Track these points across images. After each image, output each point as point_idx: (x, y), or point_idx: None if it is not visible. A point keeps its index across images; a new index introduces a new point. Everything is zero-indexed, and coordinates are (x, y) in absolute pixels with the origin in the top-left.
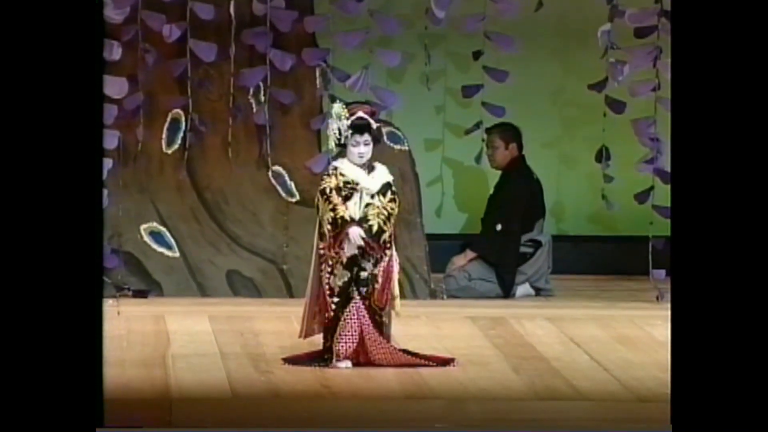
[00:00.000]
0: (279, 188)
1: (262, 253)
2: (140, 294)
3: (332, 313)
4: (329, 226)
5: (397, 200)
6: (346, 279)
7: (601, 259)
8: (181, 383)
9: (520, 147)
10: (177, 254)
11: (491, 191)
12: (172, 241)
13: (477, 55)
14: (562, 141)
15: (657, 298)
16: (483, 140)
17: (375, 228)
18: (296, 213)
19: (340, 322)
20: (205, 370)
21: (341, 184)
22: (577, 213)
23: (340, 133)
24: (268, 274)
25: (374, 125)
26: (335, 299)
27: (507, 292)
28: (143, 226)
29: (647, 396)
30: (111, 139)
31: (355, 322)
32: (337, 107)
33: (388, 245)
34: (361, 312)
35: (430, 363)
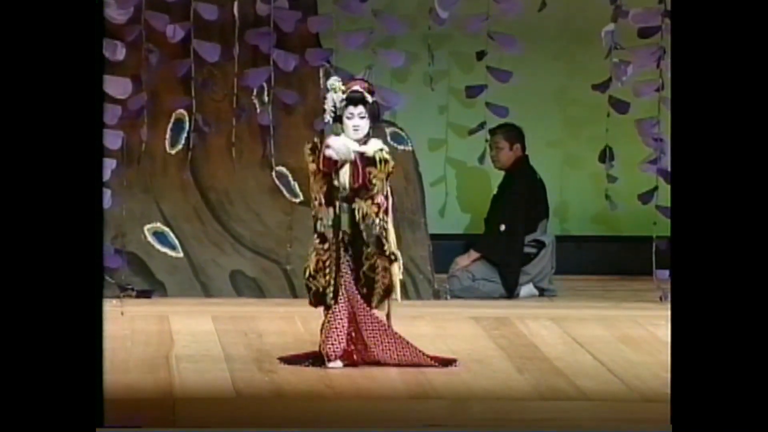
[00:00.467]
0: (283, 188)
1: (265, 253)
2: (144, 294)
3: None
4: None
5: (390, 162)
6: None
7: (604, 260)
8: (184, 383)
9: (523, 147)
10: (181, 254)
11: (495, 191)
12: (176, 242)
13: (480, 55)
14: (566, 141)
15: (660, 299)
16: (486, 140)
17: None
18: (300, 213)
19: (325, 323)
20: (209, 371)
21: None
22: (580, 213)
23: (335, 106)
24: (271, 275)
25: (370, 99)
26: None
27: (510, 292)
28: (147, 227)
29: (651, 396)
30: (115, 140)
31: (341, 322)
32: (333, 80)
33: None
34: (354, 307)
35: (432, 363)
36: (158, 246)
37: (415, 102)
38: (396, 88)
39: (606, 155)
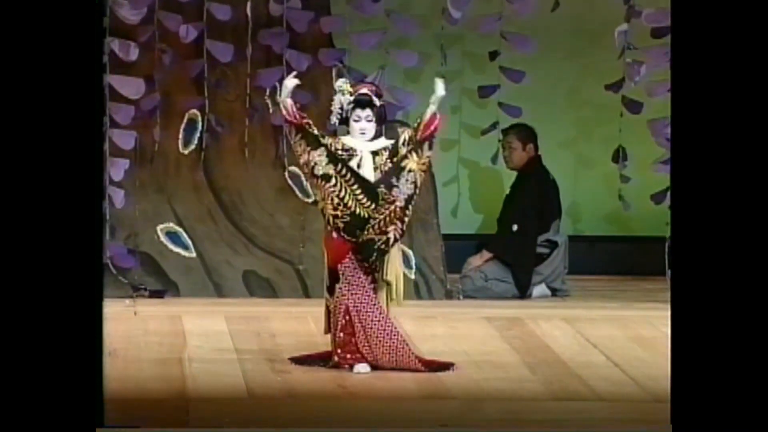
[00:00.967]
0: (295, 188)
1: (278, 253)
2: (157, 294)
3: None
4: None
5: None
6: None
7: (617, 260)
8: (197, 383)
9: (536, 147)
10: (193, 254)
11: (507, 192)
12: (189, 242)
13: (493, 55)
14: (579, 141)
15: None
16: (499, 141)
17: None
18: (312, 213)
19: (332, 325)
20: (222, 371)
21: (338, 147)
22: (593, 213)
23: (342, 108)
24: (284, 275)
25: (378, 102)
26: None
27: (523, 292)
28: (160, 227)
29: (664, 396)
30: (128, 140)
31: (339, 316)
32: (341, 82)
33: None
34: (358, 301)
35: (423, 370)
36: (171, 246)
37: (428, 102)
38: (409, 88)
39: (619, 155)
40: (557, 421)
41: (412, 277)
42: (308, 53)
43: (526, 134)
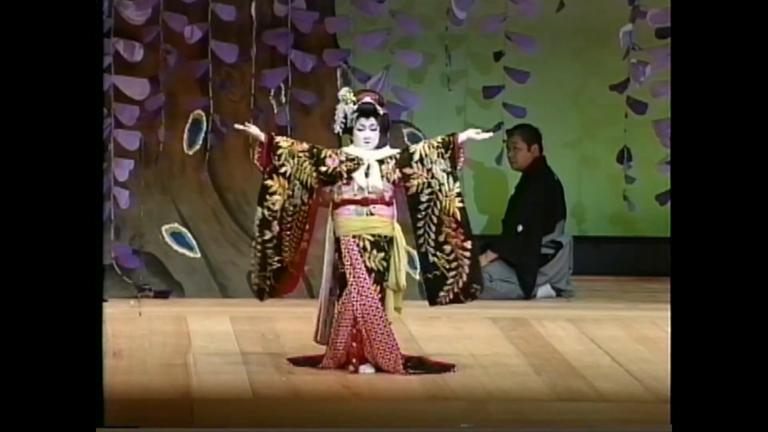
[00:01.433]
0: None
1: None
2: (161, 295)
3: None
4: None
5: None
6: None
7: (622, 260)
8: (202, 384)
9: (541, 148)
10: (198, 255)
11: (512, 192)
12: (194, 242)
13: (498, 55)
14: (584, 142)
15: None
16: (504, 141)
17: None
18: (317, 214)
19: (334, 328)
20: (226, 371)
21: (343, 159)
22: (598, 214)
23: (345, 117)
24: None
25: (381, 111)
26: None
27: (528, 293)
28: (165, 227)
29: (668, 397)
30: (132, 140)
31: (347, 326)
32: (344, 91)
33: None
34: (362, 304)
35: (430, 371)
36: (176, 246)
37: (433, 103)
38: (413, 88)
39: (624, 156)
40: (562, 421)
41: (417, 277)
42: (313, 54)
43: (531, 135)
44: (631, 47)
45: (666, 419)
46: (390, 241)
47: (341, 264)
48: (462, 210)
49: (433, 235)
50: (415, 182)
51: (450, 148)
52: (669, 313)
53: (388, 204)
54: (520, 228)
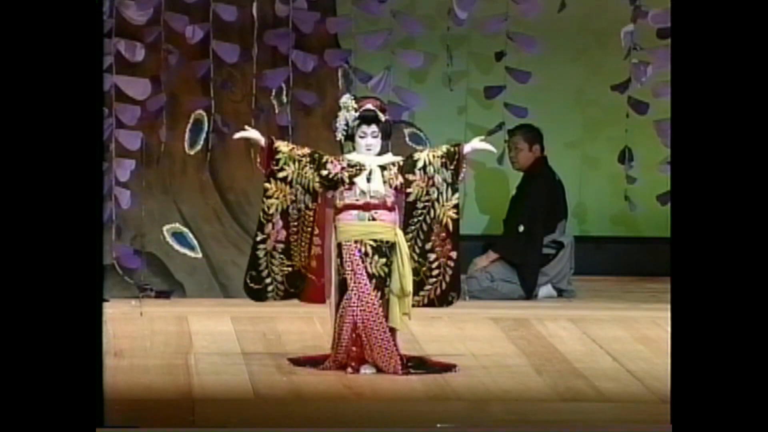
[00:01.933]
0: None
1: None
2: (163, 295)
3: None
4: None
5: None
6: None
7: (623, 261)
8: (203, 384)
9: (542, 148)
10: (200, 255)
11: (513, 192)
12: (195, 242)
13: (499, 55)
14: (585, 142)
15: None
16: (505, 141)
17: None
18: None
19: (335, 331)
20: (228, 371)
21: (345, 165)
22: (599, 214)
23: (347, 125)
24: None
25: (383, 118)
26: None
27: (529, 293)
28: (166, 227)
29: (669, 397)
30: (134, 140)
31: (348, 328)
32: (346, 98)
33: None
34: (370, 314)
35: (432, 371)
36: (177, 247)
37: (434, 103)
38: (414, 88)
39: (625, 156)
40: (563, 421)
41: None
42: (314, 54)
43: (533, 135)
44: (632, 47)
45: (667, 419)
46: (392, 246)
47: (342, 269)
48: (455, 221)
49: (420, 243)
50: (415, 189)
51: (454, 159)
52: (669, 314)
53: (390, 209)
54: (521, 228)
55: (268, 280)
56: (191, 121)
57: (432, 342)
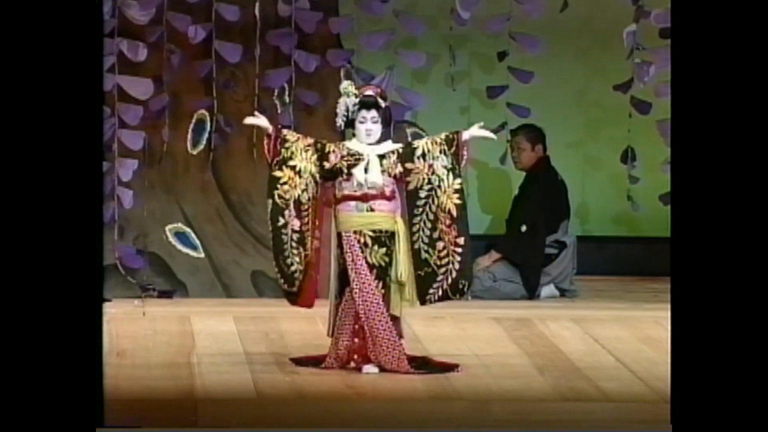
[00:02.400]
0: None
1: None
2: (165, 294)
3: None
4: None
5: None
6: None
7: (626, 260)
8: (206, 384)
9: (545, 148)
10: (202, 255)
11: (516, 192)
12: (197, 242)
13: (502, 55)
14: (587, 142)
15: None
16: (508, 141)
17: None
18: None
19: (337, 327)
20: (230, 371)
21: (344, 154)
22: (602, 214)
23: (347, 110)
24: None
25: (383, 104)
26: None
27: (532, 293)
28: (168, 227)
29: None
30: (136, 140)
31: (349, 324)
32: (346, 84)
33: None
34: (372, 310)
35: (434, 371)
36: (180, 246)
37: (436, 103)
38: (417, 88)
39: (628, 156)
40: (565, 421)
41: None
42: (316, 54)
43: (535, 135)
44: (634, 47)
45: (669, 419)
46: (392, 235)
47: (342, 260)
48: (459, 206)
49: (428, 232)
50: (415, 177)
51: (454, 145)
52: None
53: (389, 199)
54: (524, 228)
55: (293, 267)
56: (194, 120)
57: (434, 342)
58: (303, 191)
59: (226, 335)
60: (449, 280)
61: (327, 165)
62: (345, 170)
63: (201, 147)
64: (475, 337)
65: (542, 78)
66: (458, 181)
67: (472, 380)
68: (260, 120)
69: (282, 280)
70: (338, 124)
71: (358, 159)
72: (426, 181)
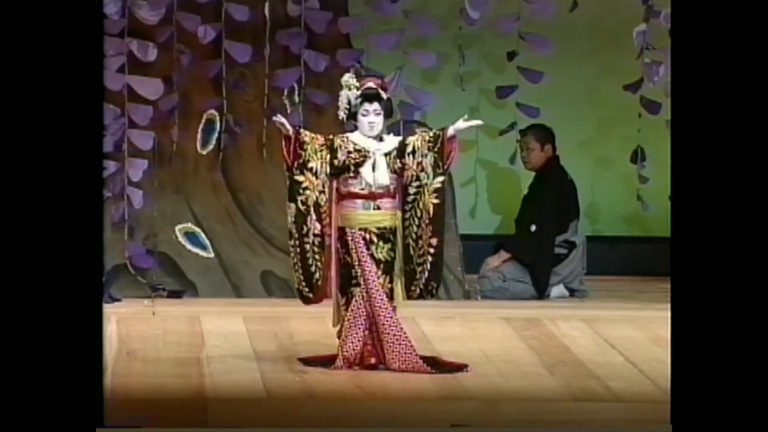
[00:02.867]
0: None
1: None
2: (175, 294)
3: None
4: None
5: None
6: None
7: (636, 260)
8: (215, 384)
9: (554, 148)
10: (212, 255)
11: (525, 192)
12: (207, 242)
13: (511, 55)
14: (597, 142)
15: None
16: (517, 141)
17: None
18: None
19: (345, 323)
20: (240, 371)
21: (350, 149)
22: (612, 214)
23: (349, 103)
24: None
25: (384, 96)
26: (341, 297)
27: (541, 293)
28: (178, 227)
29: None
30: (146, 140)
31: (360, 323)
32: (347, 77)
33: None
34: (381, 307)
35: (430, 371)
36: (189, 246)
37: (446, 102)
38: (426, 88)
39: (637, 156)
40: (575, 421)
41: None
42: (326, 54)
43: (545, 135)
44: (644, 47)
45: None
46: (394, 231)
47: (348, 256)
48: (436, 206)
49: (415, 228)
50: (406, 174)
51: (438, 142)
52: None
53: (393, 196)
54: (533, 228)
55: (316, 275)
56: (203, 120)
57: (444, 342)
58: (320, 193)
59: (236, 335)
60: (423, 280)
61: (336, 162)
62: (352, 167)
63: (210, 147)
64: (485, 337)
65: (552, 78)
66: (439, 180)
67: (481, 380)
68: (285, 122)
69: (306, 288)
70: (340, 117)
71: (365, 156)
72: (414, 177)
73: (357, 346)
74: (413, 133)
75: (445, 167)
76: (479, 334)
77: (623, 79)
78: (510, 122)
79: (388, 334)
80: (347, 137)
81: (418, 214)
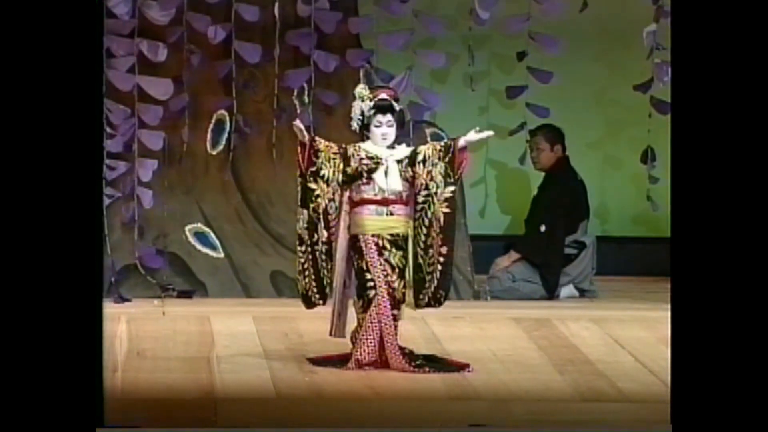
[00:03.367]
0: None
1: None
2: (185, 294)
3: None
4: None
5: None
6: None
7: (645, 261)
8: (225, 384)
9: (564, 148)
10: (221, 255)
11: (535, 192)
12: (217, 242)
13: (521, 55)
14: (607, 142)
15: None
16: (527, 141)
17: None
18: None
19: (361, 329)
20: (250, 371)
21: (363, 156)
22: (621, 214)
23: (362, 115)
24: None
25: (397, 107)
26: (358, 302)
27: (551, 293)
28: (188, 227)
29: None
30: (156, 140)
31: (376, 327)
32: (360, 88)
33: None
34: (384, 314)
35: (445, 369)
36: (199, 246)
37: (455, 103)
38: (436, 88)
39: (647, 156)
40: (585, 422)
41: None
42: (336, 54)
43: (554, 135)
44: (654, 47)
45: None
46: (407, 239)
47: (361, 260)
48: (447, 215)
49: (423, 237)
50: (417, 182)
51: (449, 152)
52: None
53: (406, 204)
54: (543, 228)
55: (325, 282)
56: (213, 121)
57: (453, 341)
58: (330, 201)
59: (246, 335)
60: (432, 288)
61: (349, 170)
62: (365, 174)
63: (220, 147)
64: (495, 337)
65: (561, 78)
66: (450, 189)
67: (491, 380)
68: (303, 128)
69: (317, 295)
70: (353, 128)
71: (377, 163)
72: (424, 186)
73: (373, 349)
74: (423, 133)
75: (456, 177)
76: (489, 335)
77: (633, 79)
78: (520, 122)
79: (391, 335)
80: (359, 146)
81: (426, 223)
